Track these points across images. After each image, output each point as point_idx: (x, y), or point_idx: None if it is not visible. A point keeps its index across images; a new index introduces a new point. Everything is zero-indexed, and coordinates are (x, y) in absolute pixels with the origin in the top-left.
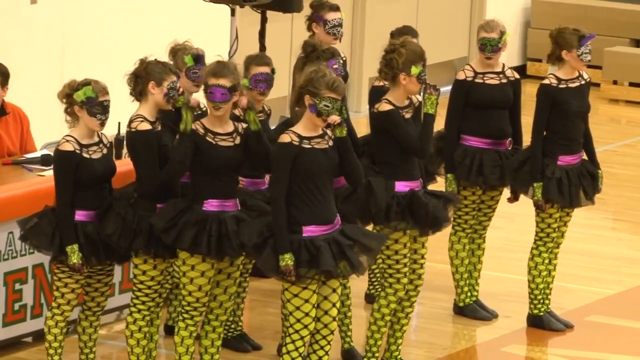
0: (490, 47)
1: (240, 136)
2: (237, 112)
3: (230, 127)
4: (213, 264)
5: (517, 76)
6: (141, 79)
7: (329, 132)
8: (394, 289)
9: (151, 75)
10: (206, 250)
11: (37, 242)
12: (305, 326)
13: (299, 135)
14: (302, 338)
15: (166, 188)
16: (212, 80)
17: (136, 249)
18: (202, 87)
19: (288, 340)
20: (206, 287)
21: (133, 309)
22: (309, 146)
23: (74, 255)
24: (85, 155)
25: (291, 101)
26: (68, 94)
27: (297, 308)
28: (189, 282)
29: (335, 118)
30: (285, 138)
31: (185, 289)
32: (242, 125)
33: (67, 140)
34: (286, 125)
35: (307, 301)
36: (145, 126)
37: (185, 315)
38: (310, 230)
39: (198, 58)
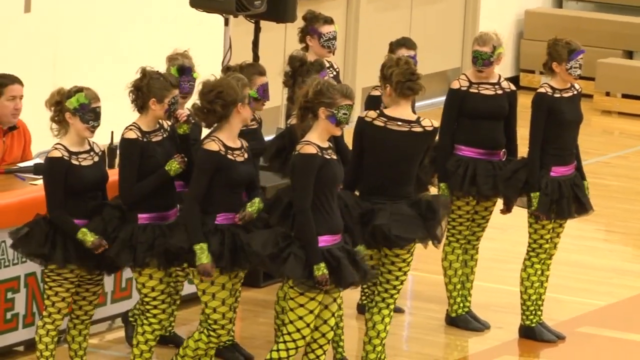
0: (481, 60)
1: (247, 152)
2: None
3: (238, 142)
4: (230, 276)
5: (513, 88)
6: (142, 93)
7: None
8: (394, 298)
9: (152, 92)
10: (224, 263)
11: (28, 250)
12: (303, 337)
13: (319, 147)
14: (296, 347)
15: (146, 198)
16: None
17: (108, 255)
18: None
19: (282, 345)
20: (229, 300)
21: (145, 321)
22: (328, 157)
23: (87, 235)
24: (74, 162)
25: (297, 118)
26: (58, 102)
27: (300, 318)
28: (211, 298)
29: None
30: (310, 149)
31: (209, 306)
32: (243, 142)
33: (56, 148)
34: (282, 137)
35: (311, 312)
36: (132, 135)
37: (212, 333)
38: (324, 240)
39: (183, 70)
